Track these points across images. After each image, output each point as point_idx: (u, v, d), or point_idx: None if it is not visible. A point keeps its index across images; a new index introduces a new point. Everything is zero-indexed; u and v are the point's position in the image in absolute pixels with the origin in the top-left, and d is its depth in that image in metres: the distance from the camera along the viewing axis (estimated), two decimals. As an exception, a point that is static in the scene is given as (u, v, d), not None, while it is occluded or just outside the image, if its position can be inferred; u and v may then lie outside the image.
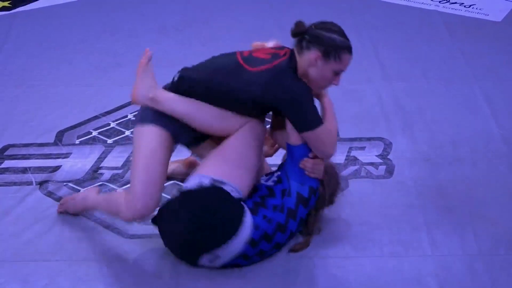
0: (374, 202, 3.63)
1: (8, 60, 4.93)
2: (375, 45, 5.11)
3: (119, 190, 3.66)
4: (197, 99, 3.28)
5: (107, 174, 3.88)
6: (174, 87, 3.33)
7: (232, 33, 5.29)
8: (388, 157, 4.01)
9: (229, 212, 3.17)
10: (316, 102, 3.26)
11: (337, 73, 3.24)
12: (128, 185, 3.54)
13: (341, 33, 3.25)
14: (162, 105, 3.28)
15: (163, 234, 3.29)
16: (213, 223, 3.15)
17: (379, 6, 5.70)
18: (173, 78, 3.36)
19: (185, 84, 3.30)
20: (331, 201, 3.45)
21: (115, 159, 3.99)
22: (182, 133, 3.36)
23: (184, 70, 3.36)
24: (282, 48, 3.34)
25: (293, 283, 3.21)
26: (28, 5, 5.66)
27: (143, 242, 3.43)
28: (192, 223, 3.17)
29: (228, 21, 5.46)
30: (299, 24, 3.25)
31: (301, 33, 3.23)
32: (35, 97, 4.51)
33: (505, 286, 3.22)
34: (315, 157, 3.29)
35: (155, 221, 3.31)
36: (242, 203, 3.20)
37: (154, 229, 3.46)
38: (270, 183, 3.35)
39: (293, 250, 3.33)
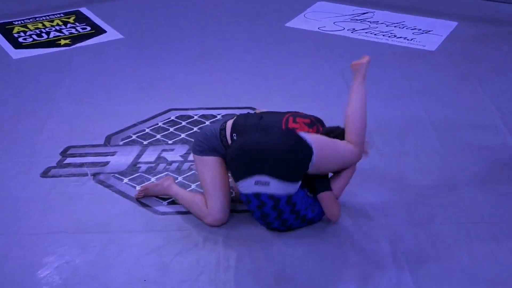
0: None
1: (70, 83, 4.90)
2: (343, 70, 5.09)
3: (198, 193, 3.48)
4: None
5: (143, 167, 3.86)
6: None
7: (236, 65, 5.26)
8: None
9: (301, 169, 3.11)
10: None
11: None
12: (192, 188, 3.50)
13: None
14: None
15: (240, 143, 3.19)
16: (290, 162, 3.08)
17: (345, 41, 5.69)
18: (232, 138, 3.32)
19: None
20: None
21: (149, 156, 3.97)
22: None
23: None
24: None
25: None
26: (84, 42, 5.65)
27: (171, 217, 3.43)
28: (283, 143, 3.11)
29: (233, 56, 5.43)
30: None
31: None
32: (90, 111, 4.49)
33: (440, 248, 3.20)
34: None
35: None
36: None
37: (179, 208, 3.47)
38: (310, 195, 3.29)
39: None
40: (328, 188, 3.26)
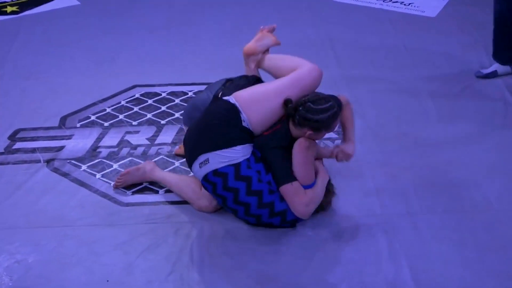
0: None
1: (18, 56, 4.88)
2: (331, 38, 5.10)
3: (186, 175, 3.55)
4: None
5: (104, 152, 3.85)
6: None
7: (210, 32, 5.27)
8: (343, 133, 4.00)
9: (234, 129, 3.19)
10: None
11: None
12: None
13: (326, 109, 3.18)
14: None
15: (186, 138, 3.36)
16: (218, 129, 3.20)
17: (333, 5, 5.71)
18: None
19: None
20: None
21: (111, 139, 3.96)
22: None
23: None
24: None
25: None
26: (34, 9, 5.61)
27: (137, 209, 3.42)
28: (203, 123, 3.26)
29: (207, 21, 5.44)
30: (285, 105, 3.24)
31: (291, 114, 3.22)
32: (41, 88, 4.46)
33: (443, 240, 3.20)
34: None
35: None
36: (249, 138, 3.22)
37: (146, 198, 3.47)
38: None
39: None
40: (288, 178, 3.19)
